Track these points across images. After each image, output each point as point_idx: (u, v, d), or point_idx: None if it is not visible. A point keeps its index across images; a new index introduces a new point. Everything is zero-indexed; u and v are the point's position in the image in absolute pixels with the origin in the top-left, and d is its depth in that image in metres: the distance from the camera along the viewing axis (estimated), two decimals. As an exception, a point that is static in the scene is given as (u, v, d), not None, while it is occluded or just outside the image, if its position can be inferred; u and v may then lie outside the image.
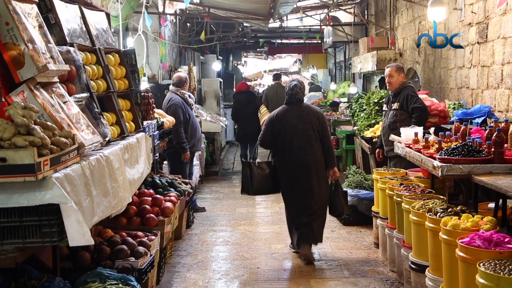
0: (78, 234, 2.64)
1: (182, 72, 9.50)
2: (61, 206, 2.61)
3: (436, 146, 4.46)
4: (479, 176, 3.83)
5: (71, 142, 2.86)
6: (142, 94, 5.52)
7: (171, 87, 7.85)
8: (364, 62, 11.38)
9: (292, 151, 5.82)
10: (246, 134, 10.86)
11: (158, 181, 5.97)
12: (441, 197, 4.61)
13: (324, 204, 5.93)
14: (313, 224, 5.83)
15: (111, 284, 3.56)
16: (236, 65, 26.62)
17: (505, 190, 3.41)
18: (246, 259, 5.94)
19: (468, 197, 4.55)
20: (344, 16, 15.43)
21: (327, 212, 6.03)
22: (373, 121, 8.09)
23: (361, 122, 8.47)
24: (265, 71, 31.17)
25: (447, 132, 4.85)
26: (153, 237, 4.72)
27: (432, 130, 5.49)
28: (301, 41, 20.92)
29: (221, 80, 16.28)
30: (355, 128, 8.92)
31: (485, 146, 4.10)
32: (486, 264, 2.88)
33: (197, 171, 9.14)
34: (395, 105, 6.43)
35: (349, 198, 6.88)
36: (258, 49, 26.16)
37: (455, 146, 4.14)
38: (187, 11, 13.44)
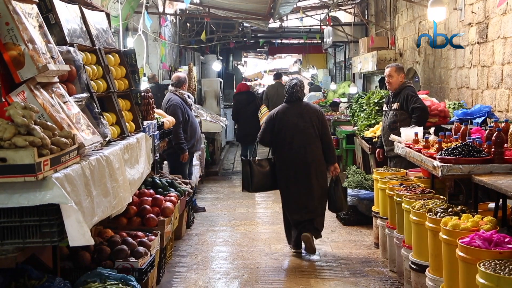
0: (78, 234, 2.64)
1: (181, 72, 9.50)
2: (61, 206, 2.61)
3: (436, 146, 4.46)
4: (479, 176, 3.83)
5: (71, 142, 2.86)
6: (142, 94, 5.52)
7: (170, 87, 7.85)
8: (364, 62, 11.38)
9: (292, 149, 5.88)
10: (247, 134, 10.89)
11: (158, 181, 5.98)
12: (441, 197, 4.61)
13: (323, 202, 6.01)
14: (313, 221, 5.94)
15: (111, 284, 3.56)
16: (236, 65, 26.62)
17: (505, 190, 3.42)
18: (246, 259, 5.94)
19: (468, 197, 4.55)
20: (344, 16, 15.43)
21: (326, 209, 6.10)
22: (373, 121, 8.09)
23: (361, 122, 8.47)
24: (265, 71, 31.18)
25: (447, 132, 4.85)
26: (153, 237, 4.72)
27: (432, 130, 5.50)
28: (301, 41, 20.92)
29: (221, 80, 16.28)
30: (355, 128, 8.92)
31: (485, 146, 4.10)
32: (486, 264, 2.88)
33: (197, 171, 9.14)
34: (395, 105, 6.43)
35: (349, 198, 6.96)
36: (258, 49, 26.16)
37: (455, 146, 4.14)
38: (187, 11, 13.44)
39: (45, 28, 3.26)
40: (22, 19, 2.96)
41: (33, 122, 2.64)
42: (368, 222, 6.74)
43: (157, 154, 6.01)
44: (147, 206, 5.20)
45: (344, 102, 13.41)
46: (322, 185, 5.96)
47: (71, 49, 3.56)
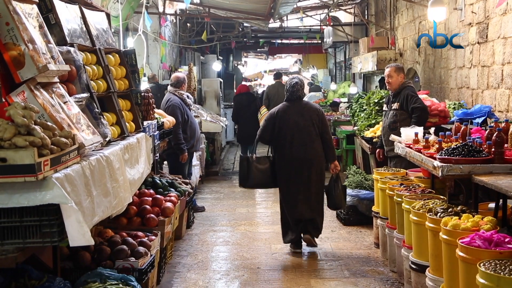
0: (79, 234, 2.64)
1: (180, 72, 9.49)
2: (62, 206, 2.61)
3: (436, 146, 4.46)
4: (479, 176, 3.83)
5: (71, 142, 2.86)
6: (142, 94, 5.52)
7: (169, 87, 7.85)
8: (364, 62, 11.38)
9: (293, 147, 5.96)
10: (247, 135, 10.96)
11: (158, 181, 5.98)
12: (441, 197, 4.61)
13: (322, 200, 6.11)
14: (313, 220, 6.03)
15: (112, 284, 3.56)
16: (236, 65, 26.61)
17: (505, 190, 3.41)
18: (247, 259, 5.94)
19: (468, 197, 4.54)
20: (344, 16, 15.43)
21: (325, 206, 6.20)
22: (373, 121, 8.09)
23: (361, 122, 8.46)
24: (265, 71, 31.18)
25: (447, 132, 4.85)
26: (154, 237, 4.72)
27: (432, 130, 5.50)
28: (301, 41, 20.91)
29: (221, 80, 16.29)
30: (355, 128, 8.92)
31: (485, 146, 4.10)
32: (486, 264, 2.88)
33: (197, 171, 9.14)
34: (395, 105, 6.43)
35: (349, 198, 7.00)
36: (258, 49, 26.16)
37: (455, 146, 4.14)
38: (187, 11, 13.44)
39: (45, 28, 3.26)
40: (22, 19, 2.96)
41: (33, 122, 2.64)
42: (368, 222, 6.74)
43: (157, 154, 6.01)
44: (147, 206, 5.20)
45: (344, 102, 13.41)
46: (321, 183, 6.07)
47: (71, 49, 3.56)
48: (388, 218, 5.42)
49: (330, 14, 13.58)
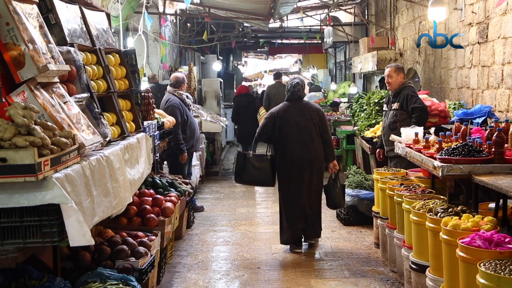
0: (79, 234, 2.64)
1: (179, 72, 9.48)
2: (62, 206, 2.61)
3: (437, 146, 4.46)
4: (479, 176, 3.83)
5: (71, 142, 2.86)
6: (143, 94, 5.52)
7: (168, 87, 7.84)
8: (365, 62, 11.38)
9: (294, 146, 6.04)
10: (247, 135, 11.00)
11: (158, 181, 5.98)
12: (442, 197, 4.61)
13: (320, 198, 6.23)
14: (312, 225, 6.13)
15: (112, 284, 3.56)
16: (236, 65, 26.62)
17: (505, 190, 3.41)
18: (247, 259, 5.94)
19: (468, 197, 4.54)
20: (345, 16, 15.43)
21: (322, 205, 6.33)
22: (373, 121, 8.09)
23: (362, 122, 8.46)
24: (265, 71, 31.16)
25: (447, 132, 4.85)
26: (154, 237, 4.72)
27: (432, 130, 5.50)
28: (302, 41, 20.91)
29: (222, 80, 16.29)
30: (356, 128, 8.92)
31: (485, 146, 4.10)
32: (486, 264, 2.88)
33: (197, 171, 9.14)
34: (395, 105, 6.43)
35: (349, 198, 7.03)
36: (258, 49, 26.15)
37: (455, 146, 4.14)
38: (187, 11, 13.43)
39: (46, 28, 3.26)
40: (23, 19, 2.96)
41: (33, 122, 2.64)
42: (369, 222, 6.74)
43: (157, 154, 6.01)
44: (148, 206, 5.20)
45: (344, 102, 13.42)
46: (321, 182, 6.20)
47: (71, 49, 3.56)
48: (388, 218, 5.42)
49: (330, 14, 13.58)
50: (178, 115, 7.37)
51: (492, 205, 4.25)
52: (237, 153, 6.57)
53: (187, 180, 7.03)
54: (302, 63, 26.57)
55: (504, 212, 3.98)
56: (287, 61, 31.87)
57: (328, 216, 7.56)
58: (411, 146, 5.02)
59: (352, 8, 13.89)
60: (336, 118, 11.50)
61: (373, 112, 8.27)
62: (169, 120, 6.79)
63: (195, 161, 8.88)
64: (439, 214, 3.85)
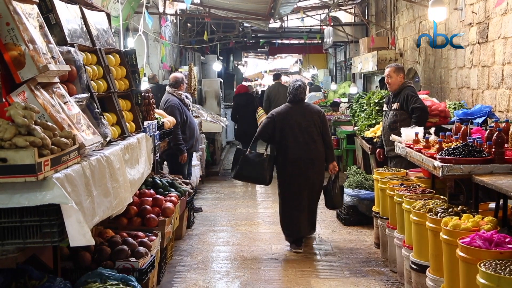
0: (79, 234, 2.64)
1: (178, 72, 9.48)
2: (62, 206, 2.61)
3: (437, 146, 4.46)
4: (479, 176, 3.83)
5: (71, 142, 2.86)
6: (143, 94, 5.52)
7: (167, 88, 7.84)
8: (365, 62, 11.38)
9: (295, 147, 6.17)
10: (243, 133, 11.33)
11: (158, 182, 5.98)
12: (442, 197, 4.61)
13: (319, 197, 6.40)
14: (311, 217, 6.35)
15: (112, 284, 3.56)
16: (236, 65, 26.61)
17: (505, 190, 3.41)
18: (247, 259, 5.94)
19: (468, 197, 4.54)
20: (345, 16, 15.43)
21: (321, 205, 6.60)
22: (373, 121, 8.09)
23: (362, 122, 8.46)
24: (265, 71, 31.14)
25: (447, 132, 4.85)
26: (154, 237, 4.72)
27: (432, 130, 5.50)
28: (302, 41, 20.90)
29: (222, 80, 16.30)
30: (356, 128, 8.92)
31: (485, 146, 4.10)
32: (486, 264, 2.88)
33: (197, 171, 9.14)
34: (395, 105, 6.44)
35: (349, 198, 7.06)
36: (258, 49, 26.15)
37: (455, 146, 4.14)
38: (188, 12, 13.43)
39: (46, 28, 3.26)
40: (23, 19, 2.96)
41: (33, 122, 2.64)
42: (369, 222, 6.74)
43: (157, 155, 6.02)
44: (148, 206, 5.20)
45: (345, 102, 13.42)
46: (321, 182, 6.35)
47: (72, 49, 3.56)
48: (389, 218, 5.42)
49: (331, 14, 13.58)
50: (178, 115, 7.37)
51: (492, 205, 4.25)
52: (236, 149, 6.69)
53: (187, 180, 7.02)
54: (302, 63, 26.56)
55: (504, 212, 3.98)
56: (287, 61, 31.86)
57: (328, 216, 7.56)
58: (411, 146, 5.02)
59: (352, 8, 13.89)
60: (336, 118, 11.50)
61: (373, 112, 8.28)
62: (169, 120, 6.79)
63: (195, 161, 8.88)
64: (439, 214, 3.85)
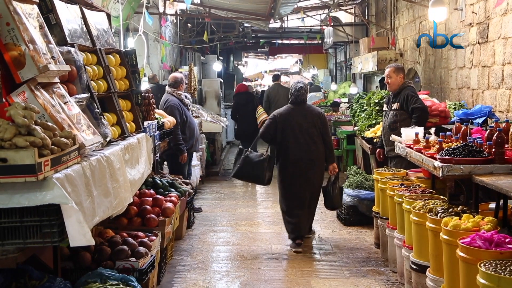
0: (79, 234, 2.65)
1: (178, 72, 9.48)
2: (62, 206, 2.61)
3: (437, 146, 4.46)
4: (480, 176, 3.83)
5: (71, 142, 2.86)
6: (143, 94, 5.52)
7: (167, 88, 7.84)
8: (365, 62, 11.38)
9: (296, 148, 6.25)
10: (245, 132, 11.34)
11: (158, 182, 5.98)
12: (442, 197, 4.61)
13: (318, 198, 6.49)
14: (309, 216, 6.44)
15: (112, 284, 3.56)
16: (236, 65, 26.61)
17: (506, 190, 3.41)
18: (247, 259, 5.94)
19: (468, 197, 4.54)
20: (345, 17, 15.43)
21: (321, 205, 6.69)
22: (373, 122, 8.09)
23: (362, 122, 8.46)
24: (265, 72, 31.13)
25: (447, 133, 4.85)
26: (154, 237, 4.72)
27: (432, 130, 5.50)
28: (302, 41, 20.91)
29: (222, 80, 16.30)
30: (356, 128, 8.92)
31: (485, 146, 4.10)
32: (487, 264, 2.88)
33: (197, 172, 9.13)
34: (395, 105, 6.44)
35: (349, 199, 7.08)
36: (258, 50, 26.16)
37: (455, 147, 4.14)
38: (188, 12, 13.42)
39: (46, 28, 3.26)
40: (23, 19, 2.96)
41: (33, 122, 2.64)
42: (369, 222, 6.74)
43: (158, 155, 6.02)
44: (148, 207, 5.20)
45: (345, 103, 13.42)
46: (320, 182, 6.44)
47: (72, 49, 3.56)
48: (389, 218, 5.42)
49: (331, 14, 13.59)
50: (177, 116, 7.37)
51: (492, 205, 4.25)
52: (238, 148, 6.77)
53: (188, 181, 7.02)
54: (303, 63, 26.56)
55: (504, 212, 3.98)
56: (288, 61, 31.85)
57: (328, 216, 7.56)
58: (412, 146, 5.02)
59: (352, 8, 13.89)
60: (337, 118, 11.51)
61: (374, 112, 8.28)
62: (169, 120, 6.79)
63: (195, 161, 8.88)
64: (439, 214, 3.85)
